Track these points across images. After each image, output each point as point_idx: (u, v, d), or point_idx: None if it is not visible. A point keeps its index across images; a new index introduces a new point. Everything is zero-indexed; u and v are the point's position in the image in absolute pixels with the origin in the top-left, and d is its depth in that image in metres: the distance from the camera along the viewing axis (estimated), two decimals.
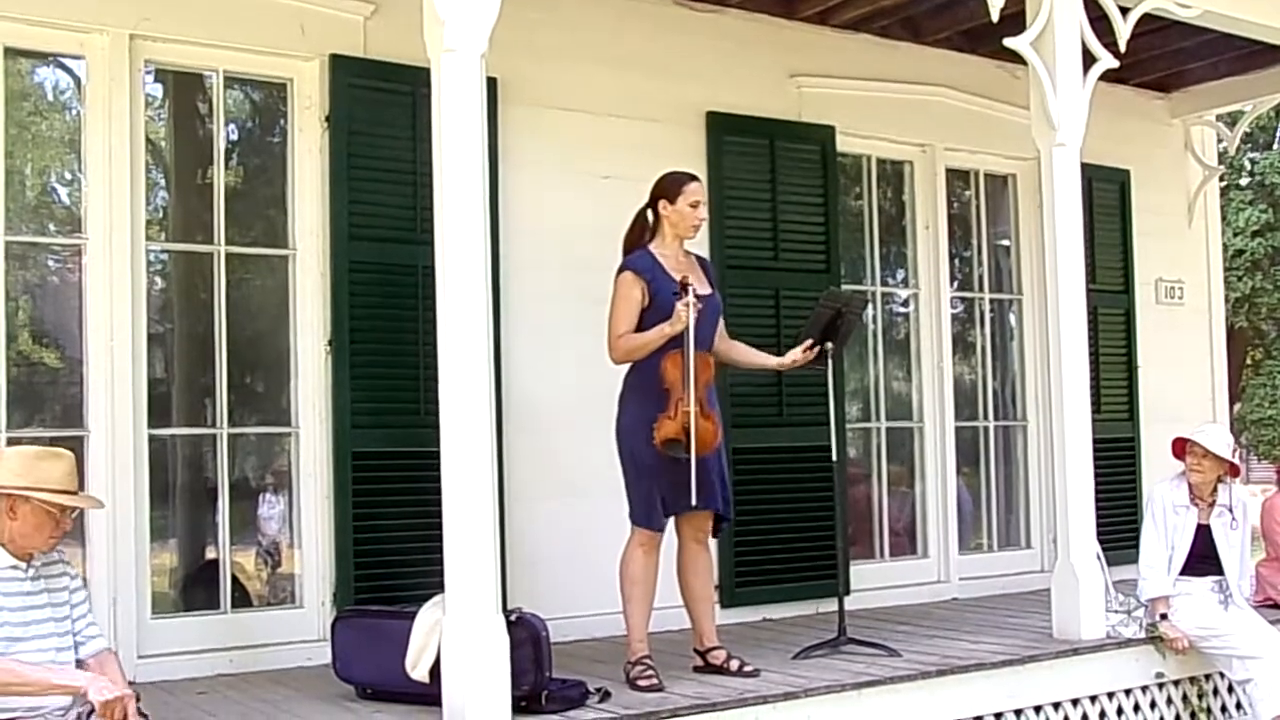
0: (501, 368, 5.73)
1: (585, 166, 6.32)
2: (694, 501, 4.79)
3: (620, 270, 5.03)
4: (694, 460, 4.78)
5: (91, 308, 5.32)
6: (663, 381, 4.92)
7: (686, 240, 5.13)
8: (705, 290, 5.06)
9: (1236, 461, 5.94)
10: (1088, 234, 6.49)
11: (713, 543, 5.30)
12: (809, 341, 5.30)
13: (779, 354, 5.42)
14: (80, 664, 3.85)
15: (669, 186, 5.09)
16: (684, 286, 4.85)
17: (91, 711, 3.57)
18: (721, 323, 5.29)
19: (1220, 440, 5.81)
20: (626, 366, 5.04)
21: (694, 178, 5.14)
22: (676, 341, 4.87)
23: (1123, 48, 6.00)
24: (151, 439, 5.43)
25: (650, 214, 5.13)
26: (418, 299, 5.57)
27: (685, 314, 4.81)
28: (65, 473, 3.79)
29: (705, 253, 6.05)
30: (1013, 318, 8.31)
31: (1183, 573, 5.79)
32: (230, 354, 5.66)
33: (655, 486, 4.93)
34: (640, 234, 5.13)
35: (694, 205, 5.07)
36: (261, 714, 4.62)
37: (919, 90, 7.55)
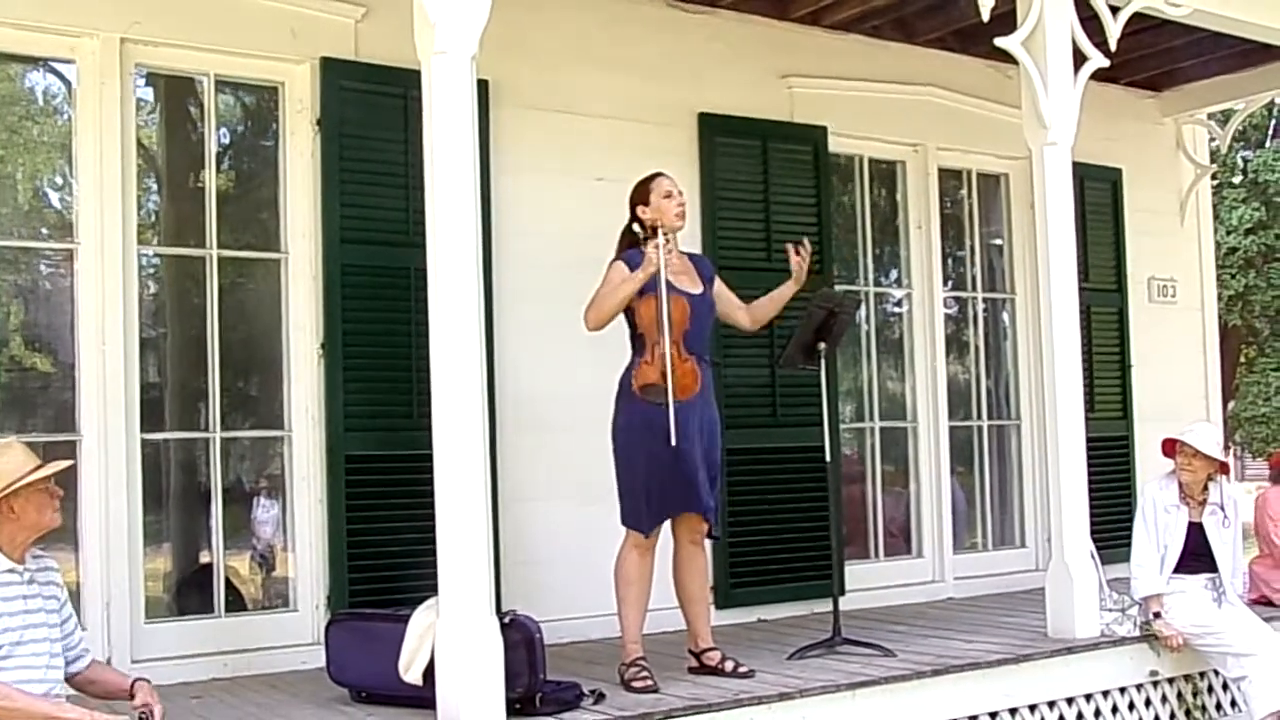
0: (494, 370, 5.72)
1: (577, 168, 6.31)
2: (673, 441, 4.77)
3: (612, 260, 5.07)
4: (670, 407, 4.77)
5: (83, 312, 5.32)
6: (637, 327, 4.93)
7: (677, 231, 5.12)
8: (696, 290, 5.07)
9: (1226, 459, 5.95)
10: (1080, 233, 6.51)
11: (708, 544, 5.29)
12: (790, 247, 5.28)
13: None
14: (74, 677, 3.86)
15: (639, 192, 5.14)
16: (654, 230, 4.88)
17: None
18: (736, 299, 5.35)
19: (1209, 439, 5.82)
20: (623, 369, 5.04)
21: (658, 174, 5.16)
22: (653, 289, 4.88)
23: (1113, 47, 6.00)
24: (144, 443, 5.41)
25: (636, 225, 5.14)
26: (410, 302, 5.56)
27: (655, 256, 4.82)
28: (25, 451, 3.82)
29: (698, 252, 6.06)
30: (1006, 317, 8.32)
31: (1176, 571, 5.79)
32: (223, 358, 5.65)
33: (648, 490, 4.92)
34: (630, 248, 5.14)
35: (667, 196, 5.08)
36: (256, 718, 4.61)
37: (911, 90, 7.56)
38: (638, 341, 5.00)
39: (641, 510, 4.95)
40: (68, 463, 4.04)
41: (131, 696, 3.83)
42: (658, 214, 5.08)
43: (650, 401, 4.86)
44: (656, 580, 5.08)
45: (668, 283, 4.88)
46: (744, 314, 5.38)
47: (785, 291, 5.36)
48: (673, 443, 4.79)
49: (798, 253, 5.25)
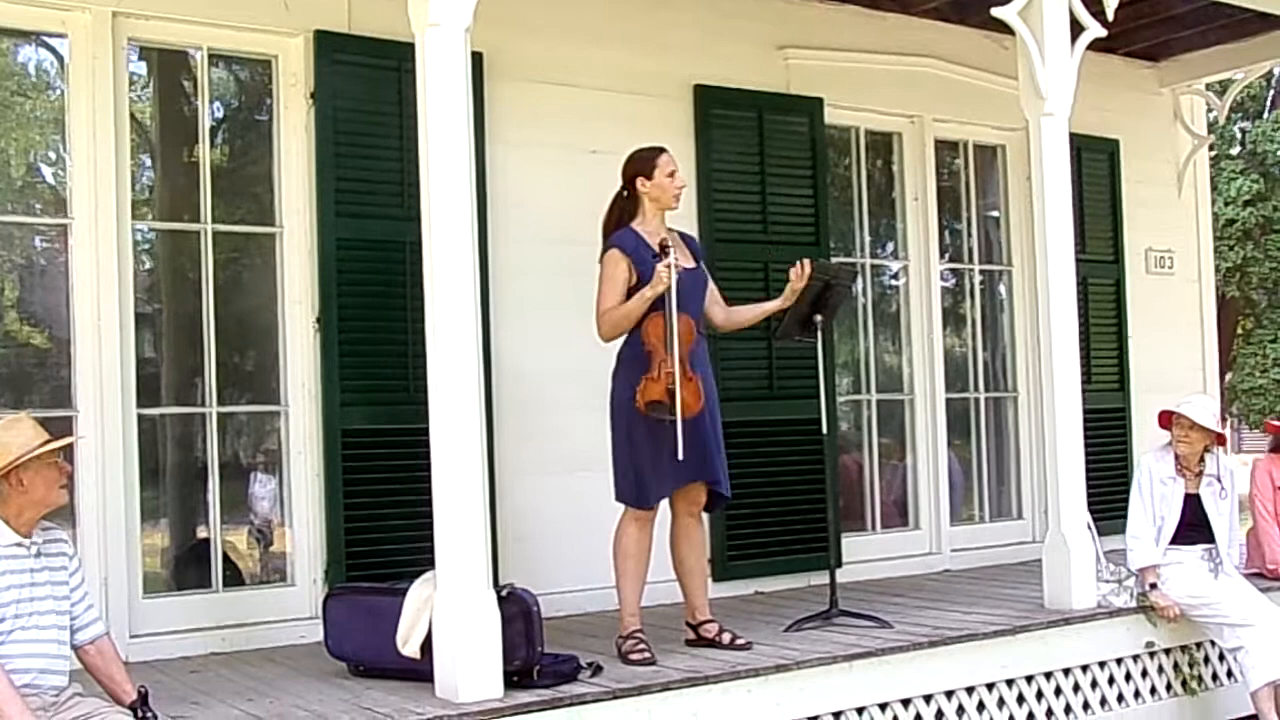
0: (490, 343, 5.73)
1: (572, 141, 6.29)
2: (680, 455, 4.75)
3: (606, 249, 5.03)
4: (679, 422, 4.75)
5: (78, 288, 5.30)
6: (644, 344, 4.91)
7: (670, 212, 5.12)
8: (689, 264, 5.06)
9: (1223, 431, 5.95)
10: (1077, 204, 6.49)
11: (705, 516, 5.30)
12: (796, 268, 5.24)
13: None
14: (77, 649, 3.84)
15: (642, 163, 5.09)
16: (663, 248, 4.86)
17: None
18: (718, 293, 5.29)
19: (1206, 411, 5.82)
20: (620, 341, 5.03)
21: (663, 150, 5.13)
22: (660, 305, 4.87)
23: (1111, 16, 5.98)
24: (140, 419, 5.41)
25: (627, 195, 5.12)
26: (405, 275, 5.55)
27: (666, 275, 4.81)
28: (34, 425, 3.82)
29: (693, 226, 6.08)
30: (1003, 289, 8.32)
31: (1173, 542, 5.79)
32: (218, 333, 5.64)
33: (647, 464, 4.91)
34: (619, 217, 5.12)
35: (671, 175, 5.07)
36: (254, 692, 4.62)
37: (908, 61, 7.53)
38: (643, 357, 4.93)
39: (643, 484, 4.93)
40: (78, 436, 4.02)
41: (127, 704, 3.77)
42: (659, 191, 5.06)
43: (655, 418, 4.85)
44: (654, 553, 5.08)
45: (676, 301, 4.84)
46: (720, 310, 5.31)
47: (770, 307, 5.35)
48: (679, 455, 4.75)
49: (799, 278, 5.21)
